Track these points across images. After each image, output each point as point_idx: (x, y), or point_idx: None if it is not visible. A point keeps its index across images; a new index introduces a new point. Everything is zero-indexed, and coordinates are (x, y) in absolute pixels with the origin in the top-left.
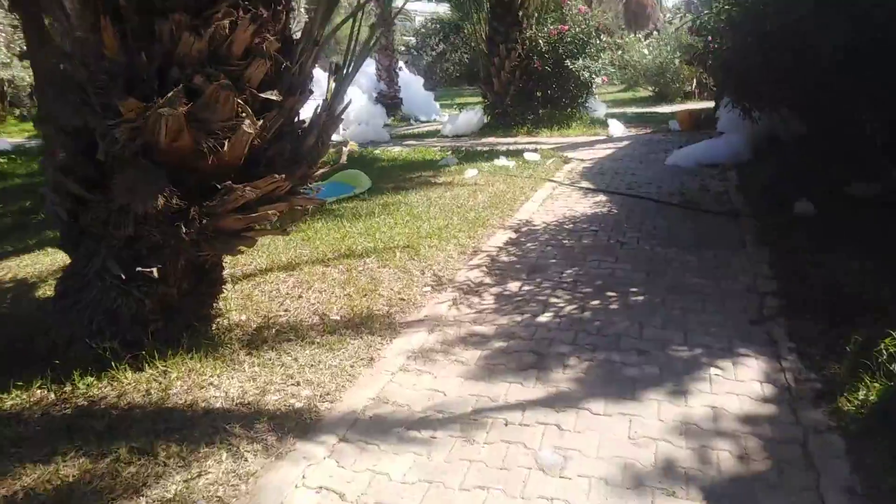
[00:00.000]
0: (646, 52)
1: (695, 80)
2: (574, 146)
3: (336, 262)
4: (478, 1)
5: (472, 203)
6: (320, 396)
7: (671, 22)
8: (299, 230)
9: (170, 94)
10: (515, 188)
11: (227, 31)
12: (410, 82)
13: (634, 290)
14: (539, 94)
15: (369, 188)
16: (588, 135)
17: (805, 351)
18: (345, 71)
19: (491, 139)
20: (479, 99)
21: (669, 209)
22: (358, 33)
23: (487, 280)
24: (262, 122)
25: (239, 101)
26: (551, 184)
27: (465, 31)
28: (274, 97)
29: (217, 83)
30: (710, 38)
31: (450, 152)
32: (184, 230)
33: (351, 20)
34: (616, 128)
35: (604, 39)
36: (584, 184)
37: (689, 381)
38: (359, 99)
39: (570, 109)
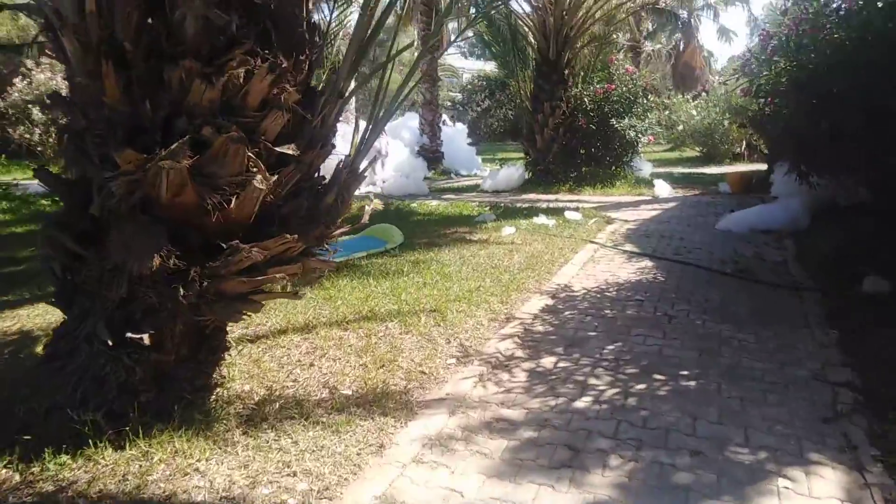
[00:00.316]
0: (694, 112)
1: (744, 142)
2: (618, 206)
3: (356, 325)
4: (524, 59)
5: (508, 263)
6: (318, 492)
7: (725, 83)
8: (322, 287)
9: (173, 146)
10: (554, 249)
11: (241, 80)
12: (453, 137)
13: (685, 373)
14: (583, 151)
15: (401, 243)
16: (633, 194)
17: (893, 463)
18: (369, 126)
19: (531, 196)
20: (522, 155)
21: (722, 279)
22: (386, 87)
23: (519, 353)
24: (276, 177)
25: (251, 154)
26: (593, 246)
27: (511, 88)
28: (291, 151)
29: (227, 135)
30: (766, 99)
31: (488, 208)
32: (182, 292)
33: (381, 72)
34: (662, 188)
35: (651, 99)
36: (629, 247)
37: (754, 495)
38: (401, 152)
39: (614, 168)
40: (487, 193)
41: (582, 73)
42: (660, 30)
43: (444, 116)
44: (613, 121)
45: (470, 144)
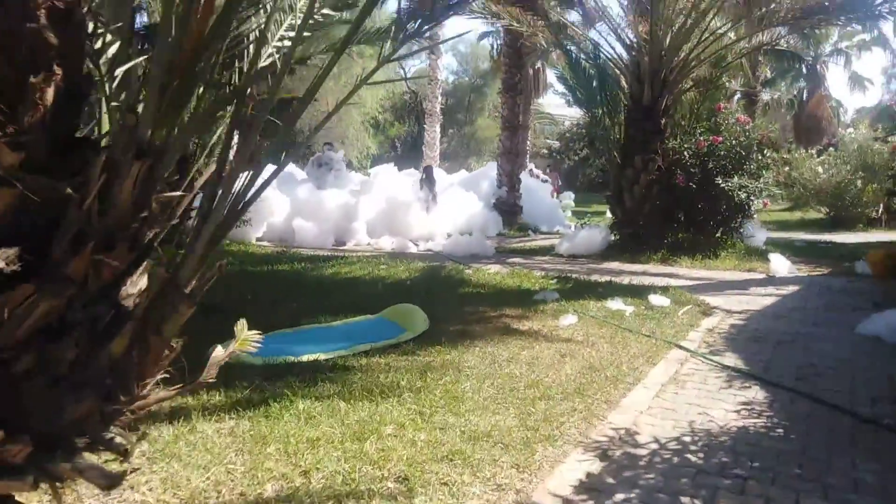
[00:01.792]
0: (819, 169)
1: (881, 206)
2: (720, 286)
3: None
4: (613, 105)
5: (552, 379)
6: None
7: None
8: (258, 415)
9: None
10: (624, 356)
11: None
12: (536, 189)
13: None
14: (680, 214)
15: (423, 331)
16: (741, 270)
17: None
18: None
19: (614, 265)
20: (607, 215)
21: (879, 435)
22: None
23: None
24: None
25: None
26: (680, 354)
27: (596, 141)
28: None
29: None
30: None
31: (554, 281)
32: None
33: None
34: (780, 264)
35: (767, 155)
36: (730, 358)
37: None
38: (473, 205)
39: (719, 235)
40: (562, 258)
41: (682, 123)
42: (780, 76)
43: (531, 166)
44: (719, 179)
45: (564, 192)
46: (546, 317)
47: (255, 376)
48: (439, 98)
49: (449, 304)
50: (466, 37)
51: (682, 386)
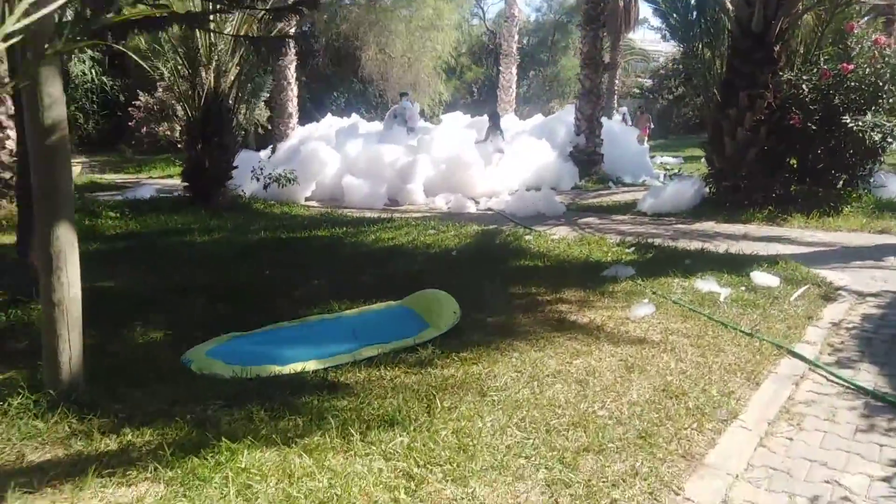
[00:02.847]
0: None
1: None
2: (845, 255)
3: None
4: (714, 32)
5: (608, 412)
6: None
7: None
8: (178, 478)
9: None
10: (714, 369)
11: None
12: (620, 135)
13: None
14: (793, 161)
15: (453, 326)
16: (871, 231)
17: None
18: None
19: (707, 225)
20: (702, 164)
21: None
22: None
23: None
24: None
25: None
26: (794, 364)
27: (693, 77)
28: None
29: None
30: None
31: (631, 250)
32: None
33: None
34: None
35: None
36: (868, 373)
37: None
38: (545, 155)
39: (842, 187)
40: (645, 218)
41: (800, 50)
42: None
43: (625, 110)
44: (847, 117)
45: (657, 139)
46: (615, 302)
47: (216, 398)
48: (516, 37)
49: (494, 284)
50: None
51: (798, 424)
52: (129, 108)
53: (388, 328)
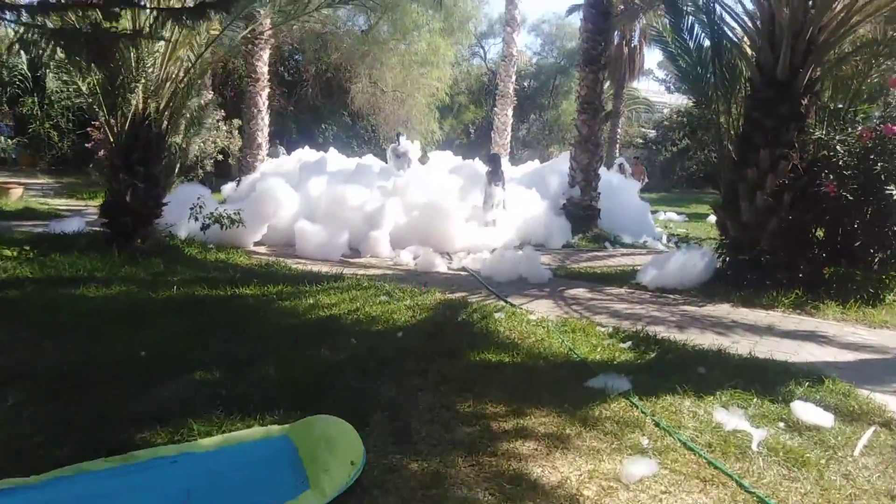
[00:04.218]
0: None
1: None
2: None
3: None
4: (729, 79)
5: None
6: None
7: None
8: None
9: None
10: None
11: None
12: (620, 188)
13: None
14: (821, 235)
15: (347, 487)
16: None
17: None
18: None
19: (723, 308)
20: (708, 224)
21: None
22: None
23: None
24: None
25: None
26: None
27: (698, 130)
28: None
29: None
30: None
31: (627, 345)
32: None
33: None
34: None
35: None
36: None
37: None
38: (535, 207)
39: (882, 268)
40: (646, 293)
41: (832, 106)
42: None
43: (622, 160)
44: (892, 187)
45: (660, 192)
46: (601, 442)
47: None
48: (514, 77)
49: (437, 393)
50: (551, 13)
51: None
52: (88, 129)
53: (243, 491)
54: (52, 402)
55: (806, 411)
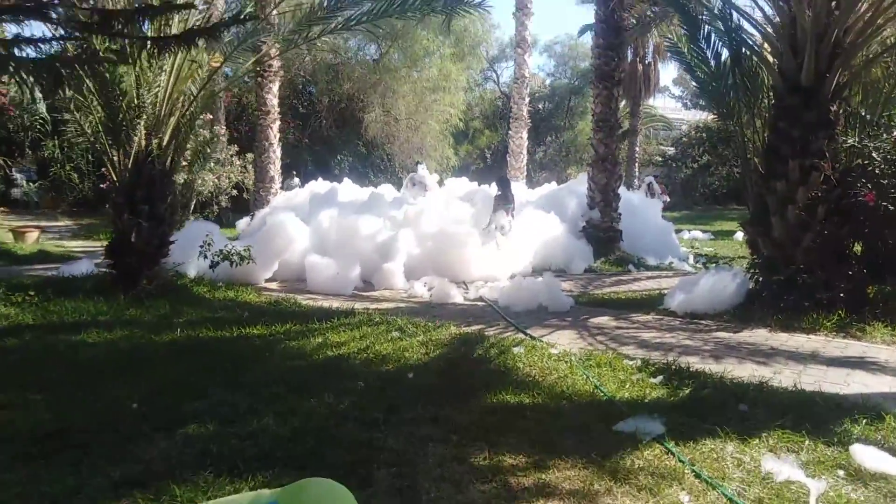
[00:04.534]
0: None
1: None
2: None
3: None
4: (751, 89)
5: None
6: None
7: None
8: None
9: None
10: None
11: None
12: (641, 208)
13: None
14: (860, 249)
15: None
16: None
17: None
18: None
19: (760, 334)
20: (736, 242)
21: None
22: None
23: None
24: None
25: None
26: None
27: (718, 145)
28: None
29: None
30: None
31: (658, 379)
32: None
33: None
34: None
35: None
36: None
37: None
38: (553, 230)
39: None
40: (676, 319)
41: (865, 110)
42: None
43: (651, 179)
44: None
45: (681, 210)
46: (633, 502)
47: None
48: (527, 99)
49: (449, 444)
50: (563, 34)
51: None
52: (104, 169)
53: None
54: (28, 467)
55: (868, 456)
